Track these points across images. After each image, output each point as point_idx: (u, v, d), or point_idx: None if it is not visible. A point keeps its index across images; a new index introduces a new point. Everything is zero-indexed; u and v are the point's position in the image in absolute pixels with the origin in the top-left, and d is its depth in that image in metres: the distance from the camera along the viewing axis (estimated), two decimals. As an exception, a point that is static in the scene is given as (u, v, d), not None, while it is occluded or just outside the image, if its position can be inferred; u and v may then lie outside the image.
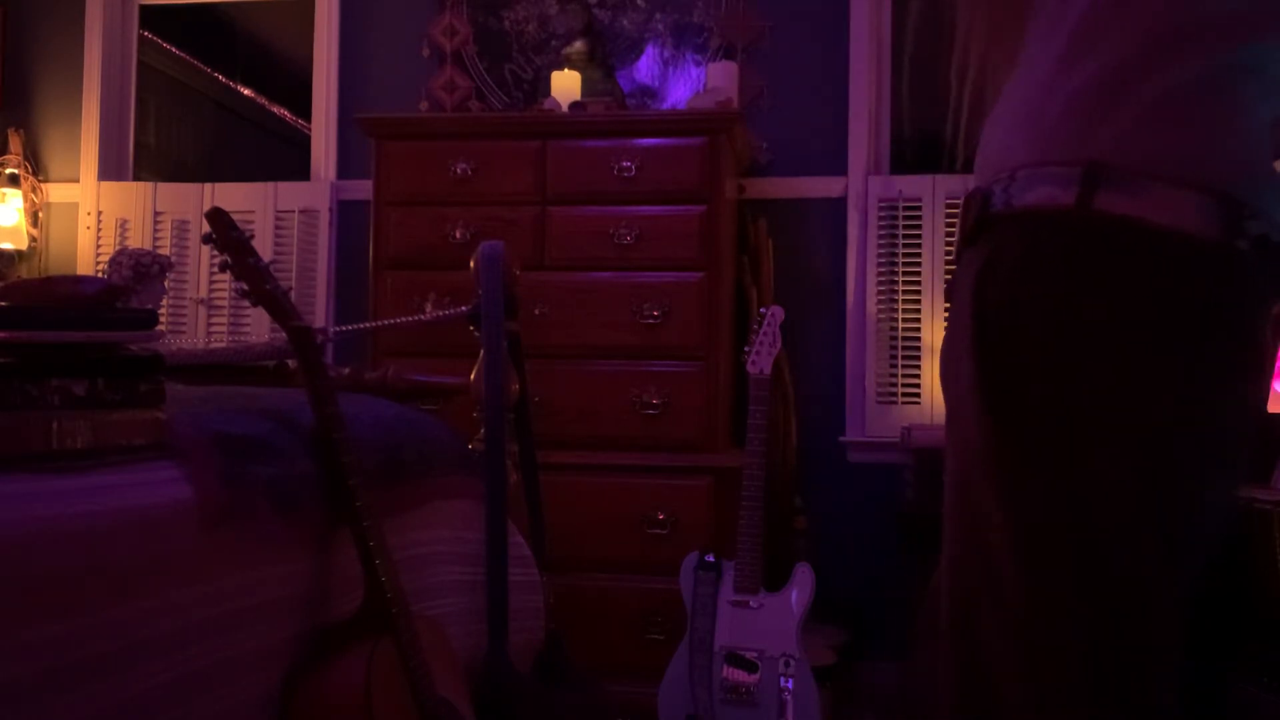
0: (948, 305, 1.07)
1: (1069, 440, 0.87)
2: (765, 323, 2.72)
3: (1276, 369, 2.74)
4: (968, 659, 0.97)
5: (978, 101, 1.05)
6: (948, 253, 3.27)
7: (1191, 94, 0.87)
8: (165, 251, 3.57)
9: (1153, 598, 0.90)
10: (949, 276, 1.01)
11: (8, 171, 3.69)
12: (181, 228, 3.65)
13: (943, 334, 1.04)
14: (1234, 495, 0.93)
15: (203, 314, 3.61)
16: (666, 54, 3.48)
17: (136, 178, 3.93)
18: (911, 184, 3.33)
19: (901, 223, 3.32)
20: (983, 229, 0.94)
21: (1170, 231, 0.84)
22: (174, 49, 5.93)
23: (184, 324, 3.60)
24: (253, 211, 3.61)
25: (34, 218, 3.74)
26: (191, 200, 3.66)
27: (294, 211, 3.62)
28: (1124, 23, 0.89)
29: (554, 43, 3.50)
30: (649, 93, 3.49)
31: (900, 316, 3.31)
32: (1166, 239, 0.84)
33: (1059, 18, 0.94)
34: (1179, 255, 0.85)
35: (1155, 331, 0.85)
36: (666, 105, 3.45)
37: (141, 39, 4.00)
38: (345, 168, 3.64)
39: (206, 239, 1.35)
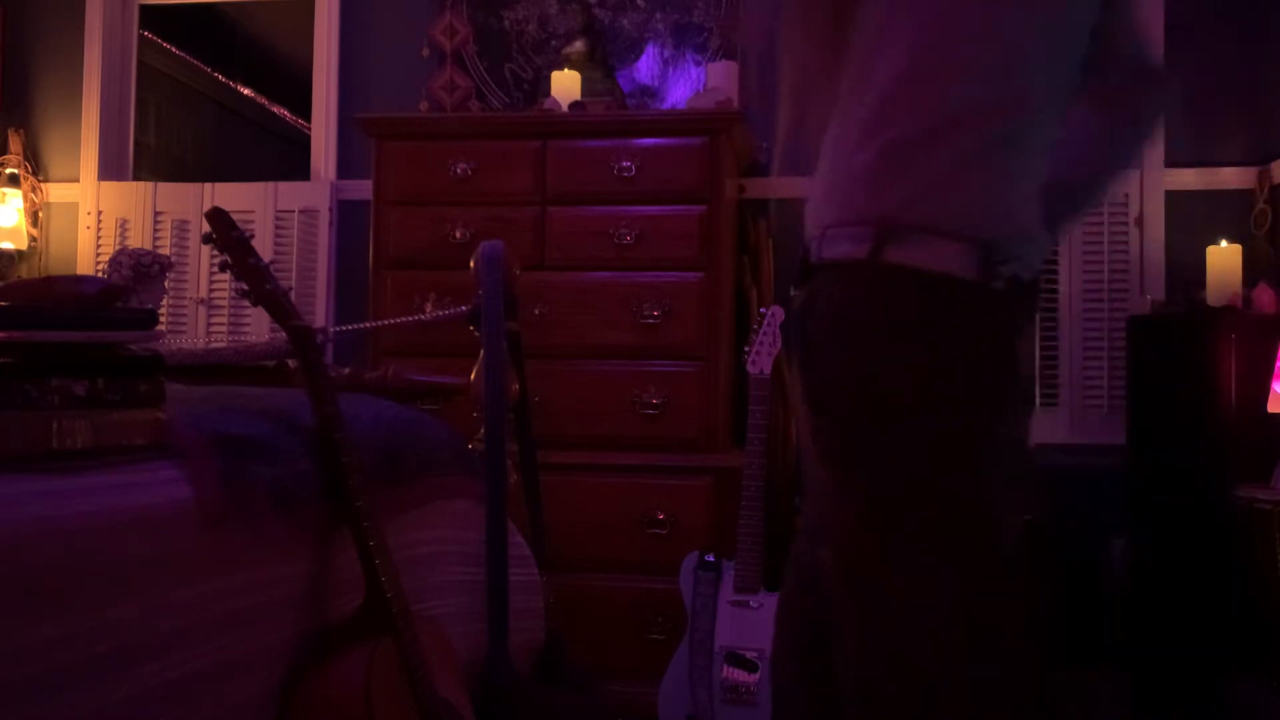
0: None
1: (875, 436, 1.09)
2: (765, 323, 2.72)
3: (1276, 371, 2.72)
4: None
5: (794, 128, 1.30)
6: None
7: (961, 164, 1.09)
8: (165, 251, 3.57)
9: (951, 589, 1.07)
10: None
11: (8, 171, 3.69)
12: (181, 228, 3.65)
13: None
14: (1020, 487, 1.14)
15: (203, 314, 3.61)
16: (666, 54, 3.48)
17: (136, 178, 3.93)
18: (911, 184, 3.32)
19: (901, 223, 3.32)
20: (806, 275, 1.17)
21: (939, 275, 1.07)
22: (174, 49, 5.93)
23: (184, 324, 3.60)
24: (253, 211, 3.61)
25: (34, 218, 3.74)
26: (191, 200, 3.66)
27: (294, 211, 3.62)
28: (911, 105, 1.10)
29: (554, 43, 3.50)
30: (649, 93, 3.49)
31: (900, 316, 3.31)
32: (937, 281, 1.07)
33: (860, 98, 1.14)
34: (946, 293, 1.07)
35: (931, 351, 1.07)
36: (666, 105, 3.45)
37: (141, 39, 4.00)
38: (345, 168, 3.64)
39: (207, 239, 1.35)
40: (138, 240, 3.64)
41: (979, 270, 1.07)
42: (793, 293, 1.23)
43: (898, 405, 1.08)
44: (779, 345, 2.71)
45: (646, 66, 3.49)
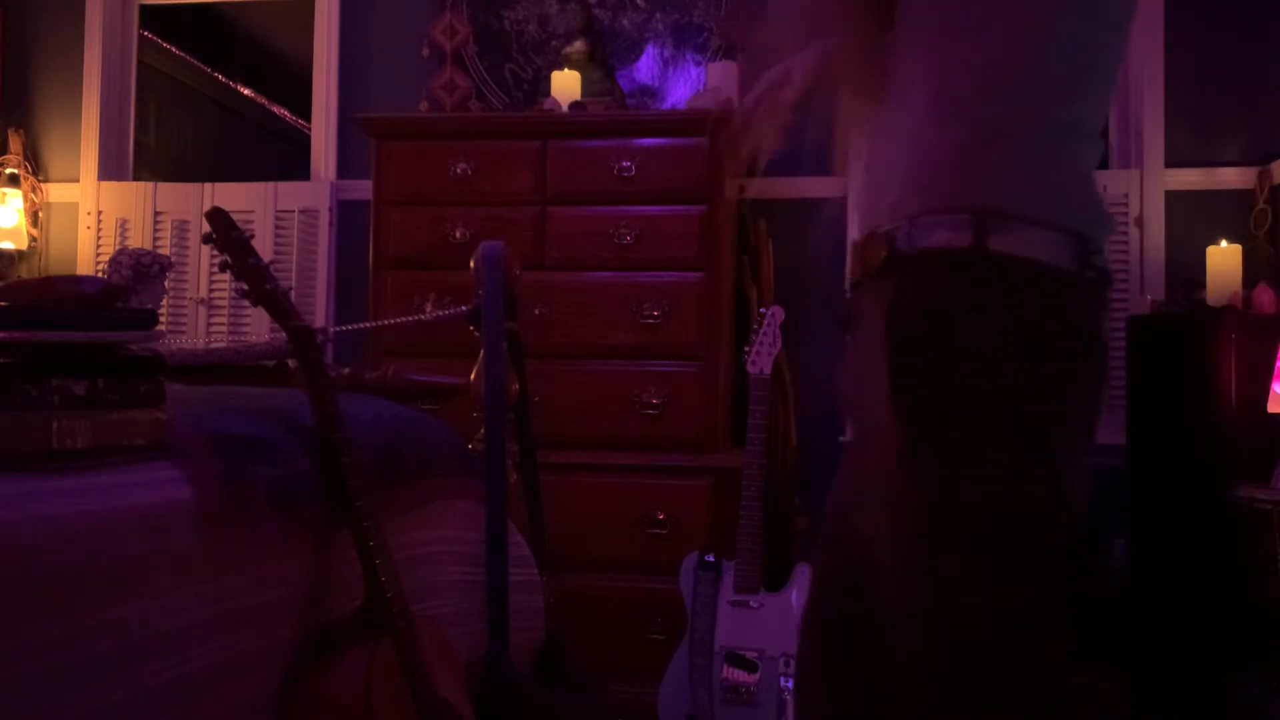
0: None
1: (975, 425, 1.06)
2: (765, 323, 2.72)
3: (1276, 371, 2.72)
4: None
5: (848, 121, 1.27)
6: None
7: (1040, 150, 1.09)
8: (165, 251, 3.57)
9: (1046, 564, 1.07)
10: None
11: (8, 171, 3.69)
12: (181, 228, 3.65)
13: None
14: (1090, 459, 1.12)
15: (203, 314, 3.61)
16: (666, 54, 3.48)
17: (136, 178, 3.93)
18: (911, 184, 3.32)
19: (901, 223, 3.31)
20: (891, 265, 1.13)
21: (1041, 265, 1.06)
22: (174, 49, 5.93)
23: (184, 324, 3.60)
24: (253, 211, 3.61)
25: (34, 218, 3.74)
26: (191, 200, 3.66)
27: (294, 211, 3.62)
28: (993, 90, 1.09)
29: (554, 43, 3.50)
30: (649, 93, 3.49)
31: (900, 316, 3.31)
32: (1039, 270, 1.07)
33: (935, 82, 1.12)
34: (1047, 283, 1.07)
35: (1034, 341, 1.07)
36: (666, 105, 3.45)
37: (141, 39, 4.00)
38: (345, 168, 3.64)
39: (207, 239, 1.35)
40: (138, 240, 3.64)
41: (1073, 260, 1.07)
42: (860, 283, 1.19)
43: (1003, 396, 1.06)
44: (779, 345, 2.71)
45: (646, 66, 3.49)
